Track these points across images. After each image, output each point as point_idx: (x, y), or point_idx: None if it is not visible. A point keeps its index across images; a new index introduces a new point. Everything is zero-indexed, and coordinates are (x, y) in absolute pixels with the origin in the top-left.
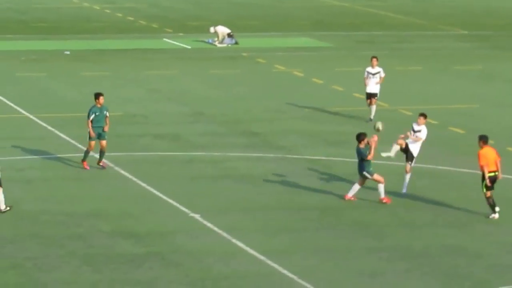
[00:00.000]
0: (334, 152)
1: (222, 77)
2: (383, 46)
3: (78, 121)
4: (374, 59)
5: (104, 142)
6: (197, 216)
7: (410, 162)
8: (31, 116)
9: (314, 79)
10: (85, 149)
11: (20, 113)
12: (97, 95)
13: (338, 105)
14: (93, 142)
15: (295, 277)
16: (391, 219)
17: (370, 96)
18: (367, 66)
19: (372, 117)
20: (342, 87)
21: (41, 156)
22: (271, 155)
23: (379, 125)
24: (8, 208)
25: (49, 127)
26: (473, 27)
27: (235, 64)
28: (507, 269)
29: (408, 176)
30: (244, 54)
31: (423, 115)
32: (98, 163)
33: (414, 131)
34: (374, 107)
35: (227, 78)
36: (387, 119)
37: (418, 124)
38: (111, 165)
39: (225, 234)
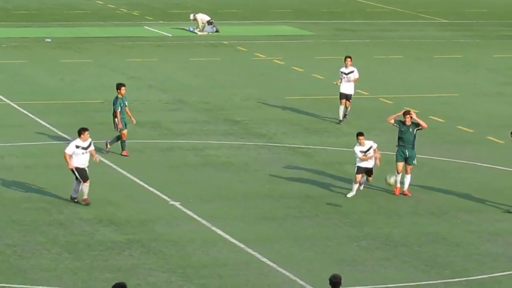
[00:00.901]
0: (314, 141)
1: (203, 65)
2: (364, 35)
3: (59, 109)
4: (348, 59)
5: (126, 132)
6: (177, 204)
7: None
8: (12, 103)
9: (295, 67)
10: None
11: (1, 100)
12: (119, 86)
13: (318, 93)
14: (125, 131)
15: (274, 265)
16: (371, 207)
17: (345, 97)
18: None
19: (341, 118)
20: (323, 75)
21: (22, 143)
22: (252, 143)
23: (392, 180)
24: None
25: (30, 114)
26: (454, 16)
27: (215, 52)
28: (486, 258)
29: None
30: (225, 42)
31: (361, 134)
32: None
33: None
34: (347, 109)
35: (208, 66)
36: (367, 108)
37: (361, 145)
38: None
39: (205, 222)
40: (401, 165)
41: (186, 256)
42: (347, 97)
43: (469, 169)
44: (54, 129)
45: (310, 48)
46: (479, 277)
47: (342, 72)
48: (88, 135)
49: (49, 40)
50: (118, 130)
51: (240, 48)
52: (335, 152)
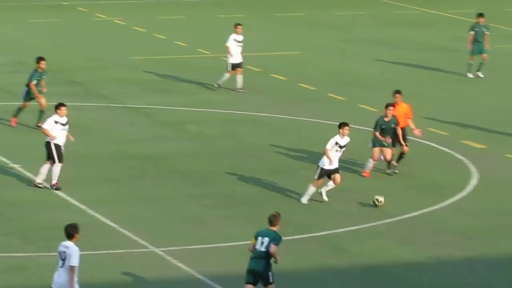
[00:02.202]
0: (156, 101)
1: (43, 27)
2: None
3: None
4: (239, 26)
5: (28, 104)
6: (17, 167)
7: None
8: None
9: (136, 27)
10: None
11: None
12: (38, 60)
13: (160, 53)
14: (28, 103)
15: (116, 226)
16: (213, 166)
17: (237, 66)
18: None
19: (240, 87)
20: (164, 35)
21: None
22: (94, 104)
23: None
24: None
25: None
26: None
27: (55, 13)
28: (328, 214)
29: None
30: (65, 3)
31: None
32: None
33: None
34: (240, 77)
35: (48, 28)
36: (209, 67)
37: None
38: None
39: (46, 184)
40: (377, 151)
41: (27, 218)
42: (240, 65)
43: (310, 126)
44: None
45: (151, 8)
46: (321, 233)
47: (235, 40)
48: (66, 111)
49: None
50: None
51: (81, 9)
52: (176, 112)
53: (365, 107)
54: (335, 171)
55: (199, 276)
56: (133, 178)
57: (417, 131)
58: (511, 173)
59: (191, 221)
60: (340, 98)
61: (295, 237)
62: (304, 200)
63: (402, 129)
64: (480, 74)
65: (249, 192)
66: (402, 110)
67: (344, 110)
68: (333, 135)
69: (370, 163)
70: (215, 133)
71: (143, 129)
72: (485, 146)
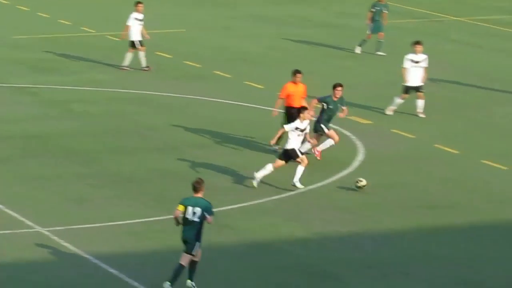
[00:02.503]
0: (41, 80)
1: None
2: None
3: None
4: (140, 5)
5: None
6: None
7: None
8: None
9: (19, 6)
10: None
11: None
12: None
13: (44, 32)
14: None
15: (1, 206)
16: (99, 145)
17: (139, 44)
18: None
19: (144, 64)
20: (48, 13)
21: None
22: None
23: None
24: None
25: None
26: None
27: None
28: (217, 191)
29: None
30: None
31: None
32: None
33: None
34: (142, 54)
35: None
36: (94, 46)
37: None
38: None
39: None
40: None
41: None
42: (141, 43)
43: (196, 104)
44: None
45: None
46: None
47: (136, 19)
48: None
49: None
50: None
51: None
52: (61, 91)
53: (251, 84)
54: (294, 153)
55: (86, 256)
56: (17, 158)
57: (311, 112)
58: (397, 148)
59: (77, 201)
60: (226, 75)
61: None
62: (256, 181)
63: (299, 109)
64: (381, 53)
65: (135, 171)
66: (300, 90)
67: (230, 87)
68: (220, 113)
69: (328, 143)
70: (101, 112)
71: (28, 109)
72: (371, 122)
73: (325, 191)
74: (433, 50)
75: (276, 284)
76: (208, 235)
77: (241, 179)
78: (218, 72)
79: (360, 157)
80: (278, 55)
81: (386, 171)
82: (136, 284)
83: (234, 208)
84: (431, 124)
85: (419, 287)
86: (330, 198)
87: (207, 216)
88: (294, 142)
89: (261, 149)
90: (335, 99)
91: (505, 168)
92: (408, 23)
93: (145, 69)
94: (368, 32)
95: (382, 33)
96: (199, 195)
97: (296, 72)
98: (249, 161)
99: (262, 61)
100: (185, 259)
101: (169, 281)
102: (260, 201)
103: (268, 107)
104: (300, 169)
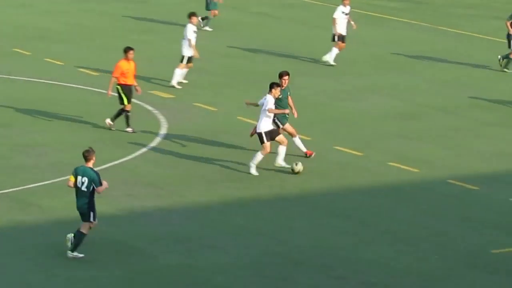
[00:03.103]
0: None
1: None
2: None
3: None
4: None
5: None
6: None
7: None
8: None
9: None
10: None
11: None
12: None
13: None
14: None
15: None
16: None
17: None
18: None
19: None
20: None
21: None
22: None
23: (300, 166)
24: None
25: None
26: None
27: None
28: (19, 170)
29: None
30: None
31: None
32: None
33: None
34: None
35: None
36: None
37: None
38: None
39: None
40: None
41: None
42: None
43: None
44: None
45: None
46: (10, 190)
47: None
48: None
49: None
50: None
51: None
52: None
53: (51, 60)
54: (260, 137)
55: None
56: None
57: (139, 88)
58: (199, 121)
59: None
60: (25, 52)
61: None
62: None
63: (130, 87)
64: (208, 28)
65: None
66: (132, 68)
67: (30, 65)
68: (19, 91)
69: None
70: None
71: None
72: (173, 96)
73: (129, 166)
74: (235, 22)
75: (83, 262)
76: (12, 214)
77: (43, 157)
78: (17, 50)
79: (162, 131)
80: (77, 31)
81: (188, 145)
82: None
83: (38, 186)
84: (232, 97)
85: (227, 259)
86: (134, 173)
87: (95, 187)
88: (266, 123)
89: (66, 126)
90: (283, 87)
91: (309, 138)
92: None
93: None
94: (207, 9)
95: (216, 11)
96: (89, 164)
97: (128, 49)
98: (50, 139)
99: (61, 37)
100: (84, 227)
101: (70, 250)
102: (63, 178)
103: (68, 83)
104: (259, 155)
